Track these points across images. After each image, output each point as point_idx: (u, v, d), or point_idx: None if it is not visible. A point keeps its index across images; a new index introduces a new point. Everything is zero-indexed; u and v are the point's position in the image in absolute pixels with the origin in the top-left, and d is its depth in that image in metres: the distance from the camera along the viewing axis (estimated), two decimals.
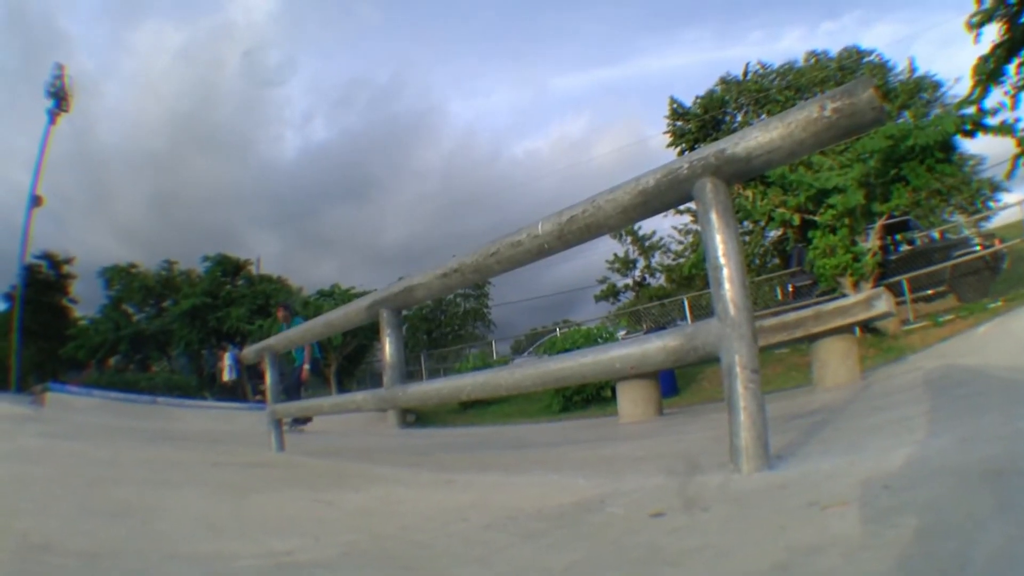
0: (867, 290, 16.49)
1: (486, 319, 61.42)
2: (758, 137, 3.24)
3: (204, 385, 36.30)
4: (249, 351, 9.32)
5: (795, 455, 3.60)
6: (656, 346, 3.65)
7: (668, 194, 3.59)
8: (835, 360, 9.02)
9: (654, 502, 2.98)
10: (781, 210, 19.32)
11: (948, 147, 18.32)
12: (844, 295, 16.24)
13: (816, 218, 18.69)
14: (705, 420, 8.54)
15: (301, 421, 13.94)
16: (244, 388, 31.88)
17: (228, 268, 43.51)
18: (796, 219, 18.99)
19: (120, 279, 46.21)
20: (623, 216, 3.84)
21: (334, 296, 36.69)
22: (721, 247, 3.29)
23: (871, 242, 18.79)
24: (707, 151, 3.39)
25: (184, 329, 40.38)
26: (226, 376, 17.70)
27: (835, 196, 18.00)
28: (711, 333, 3.35)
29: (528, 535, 2.78)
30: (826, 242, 18.27)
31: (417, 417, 21.94)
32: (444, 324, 59.36)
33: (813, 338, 9.25)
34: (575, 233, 4.08)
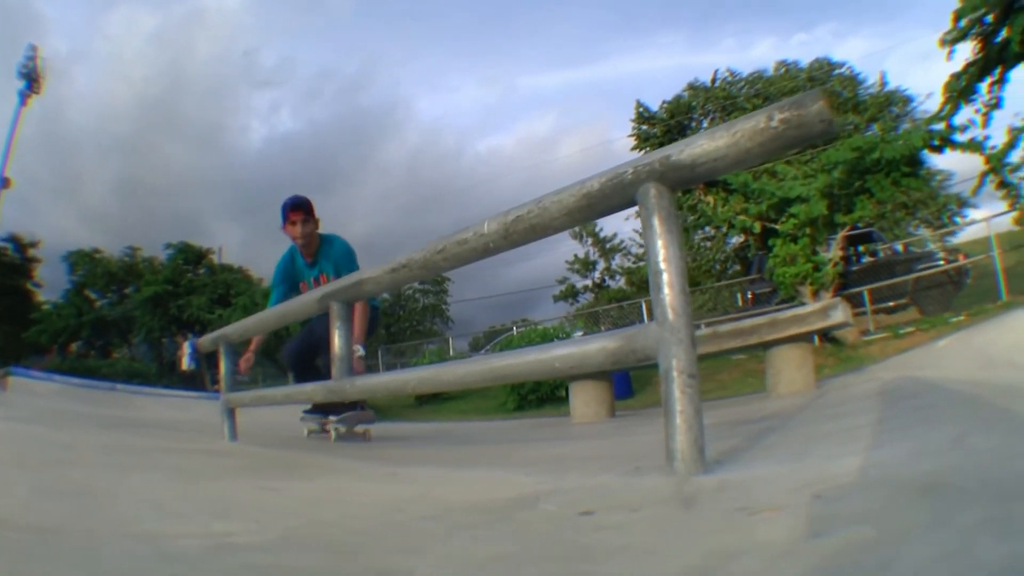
0: (826, 300, 16.63)
1: (444, 315, 61.60)
2: (704, 145, 3.25)
3: (164, 373, 36.26)
4: (205, 340, 9.35)
5: (735, 460, 3.63)
6: (596, 347, 3.67)
7: (612, 198, 3.60)
8: (790, 368, 9.06)
9: (587, 501, 2.99)
10: (742, 217, 19.39)
11: (915, 161, 18.50)
12: (803, 304, 16.32)
13: (777, 227, 18.83)
14: (655, 423, 8.52)
15: (344, 414, 8.75)
16: (203, 377, 31.85)
17: (190, 256, 43.64)
18: (757, 227, 19.09)
19: (84, 264, 46.08)
20: (568, 218, 3.86)
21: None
22: (662, 252, 3.30)
23: (832, 252, 18.91)
24: (652, 157, 3.40)
25: (145, 316, 40.46)
26: (184, 365, 17.73)
27: (798, 205, 18.15)
28: (650, 337, 3.37)
29: (461, 527, 2.81)
30: (787, 251, 18.37)
31: (373, 411, 21.96)
32: (403, 319, 59.47)
33: (768, 345, 9.28)
34: (520, 233, 4.09)
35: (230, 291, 39.80)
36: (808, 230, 18.07)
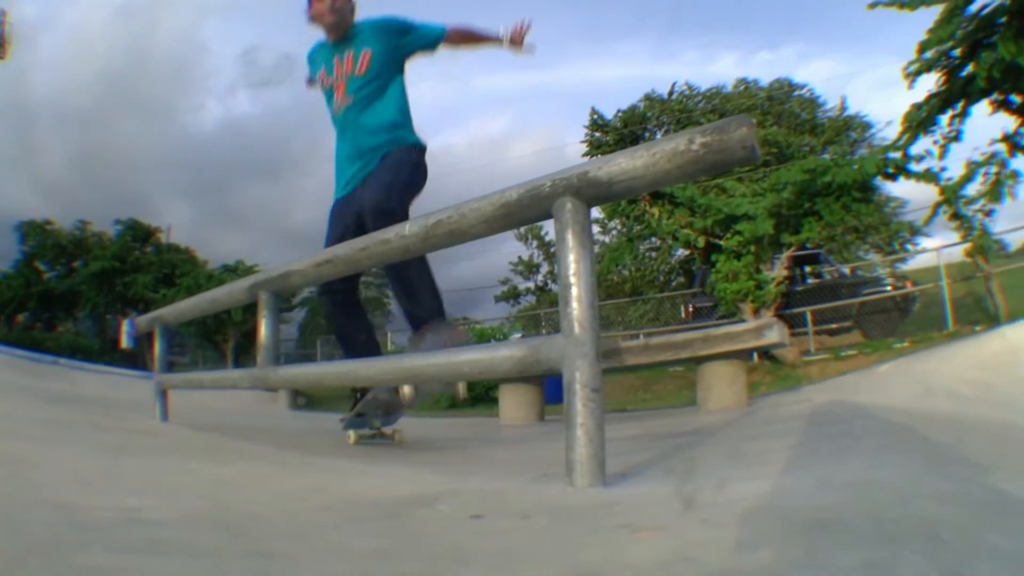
0: (763, 318, 16.72)
1: (385, 309, 61.58)
2: (622, 163, 3.28)
3: (106, 350, 36.09)
4: (142, 320, 9.27)
5: (640, 475, 3.70)
6: (503, 355, 3.72)
7: (530, 209, 3.63)
8: (721, 384, 9.11)
9: (481, 505, 3.05)
10: (686, 231, 19.50)
11: (867, 187, 18.79)
12: (743, 320, 16.41)
13: (722, 242, 18.96)
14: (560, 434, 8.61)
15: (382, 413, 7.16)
16: (145, 356, 31.70)
17: (139, 234, 43.39)
18: (701, 241, 19.17)
19: (35, 235, 45.54)
20: (485, 226, 3.90)
21: (238, 272, 36.71)
22: (573, 266, 3.32)
23: (777, 271, 19.04)
24: (571, 171, 3.43)
25: (92, 292, 40.26)
26: (124, 343, 17.59)
27: (744, 223, 18.28)
28: (555, 348, 3.40)
29: (354, 520, 2.85)
30: (729, 267, 18.53)
31: (308, 401, 21.93)
32: None
33: (701, 360, 9.32)
34: (440, 237, 4.13)
35: (175, 271, 39.70)
36: (752, 248, 18.26)
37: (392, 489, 3.71)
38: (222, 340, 34.81)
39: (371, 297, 60.99)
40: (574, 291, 3.30)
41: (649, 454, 4.75)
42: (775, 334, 8.85)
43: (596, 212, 37.86)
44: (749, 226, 18.09)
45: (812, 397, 8.76)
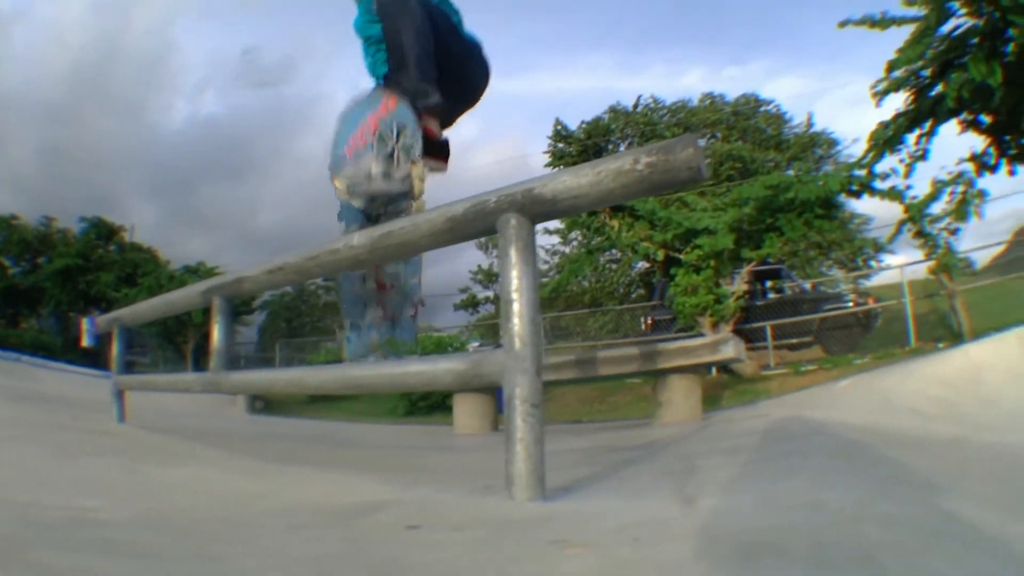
0: (720, 333, 16.76)
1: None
2: (567, 181, 3.32)
3: (69, 348, 35.92)
4: (101, 320, 9.32)
5: (581, 490, 3.69)
6: (444, 368, 3.76)
7: (475, 224, 3.66)
8: (677, 397, 9.15)
9: (420, 515, 3.07)
10: (646, 244, 19.53)
11: (830, 204, 18.94)
12: (701, 334, 16.45)
13: (681, 256, 18.99)
14: None
15: None
16: (107, 355, 31.58)
17: (103, 232, 43.12)
18: (660, 254, 19.19)
19: (1, 230, 45.23)
20: (432, 239, 3.93)
21: (199, 273, 36.63)
22: (515, 282, 3.35)
23: (737, 286, 19.10)
24: (515, 188, 3.46)
25: (56, 288, 40.03)
26: (85, 341, 17.45)
27: (704, 237, 18.27)
28: (496, 363, 3.44)
29: (295, 527, 2.89)
30: (689, 281, 18.53)
31: (266, 405, 21.89)
32: (304, 314, 59.29)
33: (656, 373, 9.34)
34: (387, 249, 4.18)
35: (137, 271, 39.59)
36: (712, 262, 18.27)
37: (335, 497, 3.71)
38: (182, 341, 34.82)
39: (331, 301, 60.85)
40: (515, 307, 3.33)
41: (596, 468, 4.77)
42: (731, 349, 8.89)
43: (557, 223, 37.91)
44: (709, 240, 18.10)
45: (769, 412, 8.78)
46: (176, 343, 34.80)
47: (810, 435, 6.05)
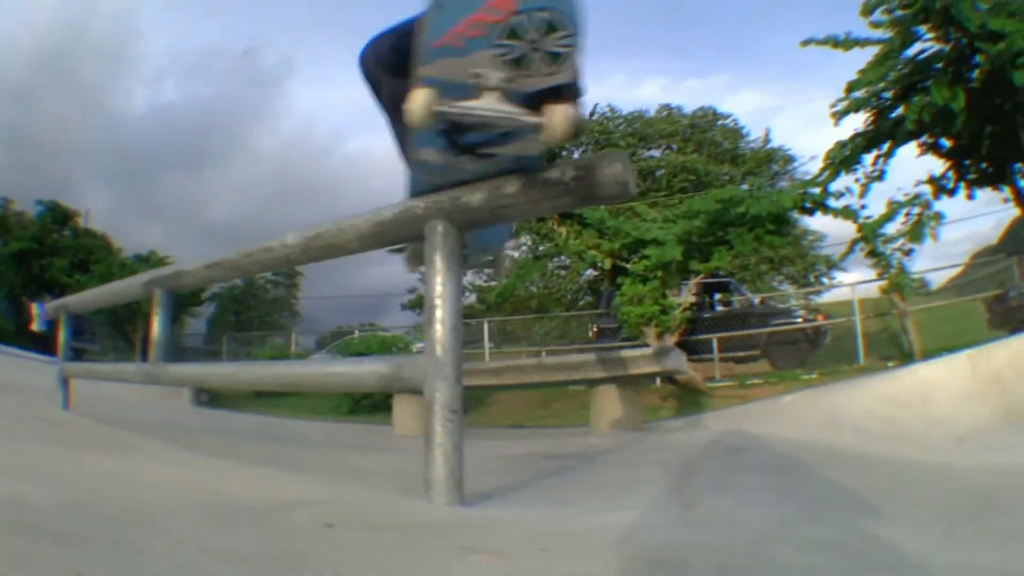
0: (668, 343, 16.78)
1: (293, 309, 61.16)
2: (494, 191, 3.37)
3: (21, 333, 35.65)
4: (50, 307, 9.26)
5: (503, 497, 3.74)
6: (368, 370, 3.83)
7: (403, 229, 3.72)
8: (615, 407, 9.12)
9: (338, 515, 3.09)
10: (593, 252, 19.57)
11: (782, 220, 18.85)
12: (646, 344, 16.44)
13: (629, 266, 18.98)
14: (471, 444, 8.56)
15: None
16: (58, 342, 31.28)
17: (58, 216, 42.71)
18: (608, 263, 19.17)
19: None
20: (361, 242, 3.98)
21: (150, 263, 35.99)
22: (439, 288, 3.40)
23: (684, 297, 19.14)
24: (444, 195, 3.50)
25: (10, 272, 39.58)
26: (35, 326, 17.31)
27: (652, 248, 18.25)
28: (417, 368, 3.48)
29: (217, 520, 2.95)
30: (635, 290, 18.41)
31: (211, 398, 21.75)
32: (252, 308, 58.91)
33: (595, 382, 9.33)
34: (319, 250, 4.24)
35: (90, 257, 39.25)
36: (660, 273, 18.20)
37: (261, 492, 3.76)
38: (132, 330, 34.49)
39: (279, 296, 60.50)
40: (438, 313, 3.37)
41: (523, 476, 4.80)
42: (672, 361, 8.93)
43: None
44: (657, 251, 18.04)
45: (709, 425, 8.82)
46: (125, 332, 34.53)
47: (745, 451, 6.07)
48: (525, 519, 3.09)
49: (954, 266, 30.50)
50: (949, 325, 21.80)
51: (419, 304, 54.13)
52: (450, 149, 3.48)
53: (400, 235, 3.80)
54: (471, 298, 50.21)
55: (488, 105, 3.16)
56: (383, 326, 42.93)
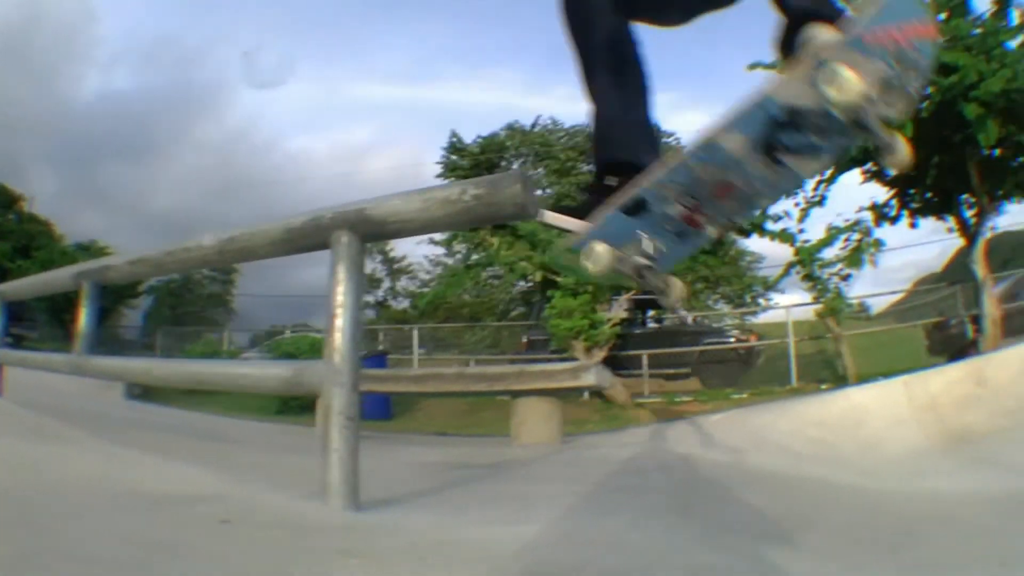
0: (598, 357, 16.89)
1: (228, 306, 60.74)
2: (396, 205, 3.48)
3: None
4: None
5: (401, 504, 3.82)
6: (271, 373, 3.96)
7: (311, 237, 3.80)
8: (535, 419, 9.14)
9: (238, 511, 3.21)
10: (524, 264, 19.66)
11: (717, 241, 18.78)
12: (573, 358, 16.54)
13: (559, 279, 18.93)
14: (389, 450, 8.66)
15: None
16: None
17: (3, 199, 42.27)
18: (538, 276, 19.15)
19: None
20: (271, 248, 4.08)
21: (90, 251, 36.18)
22: (340, 297, 3.50)
23: (615, 312, 19.35)
24: (350, 206, 3.61)
25: None
26: None
27: None
28: (316, 374, 3.58)
29: (123, 509, 3.12)
30: (564, 304, 18.54)
31: (144, 391, 21.55)
32: (188, 303, 58.43)
33: (517, 394, 9.34)
34: (233, 253, 4.35)
35: (33, 243, 38.90)
36: (590, 287, 18.34)
37: (172, 486, 3.84)
38: (70, 319, 34.09)
39: (214, 293, 60.05)
40: (338, 321, 3.48)
41: (431, 483, 4.89)
42: (592, 377, 8.95)
43: (439, 234, 37.56)
44: None
45: (630, 441, 8.81)
46: (63, 320, 34.20)
47: (659, 470, 6.14)
48: (416, 527, 3.19)
49: (895, 292, 30.80)
50: (888, 350, 22.02)
51: None
52: (761, 141, 3.14)
53: (308, 243, 3.87)
54: (406, 303, 49.92)
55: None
56: (316, 327, 42.62)
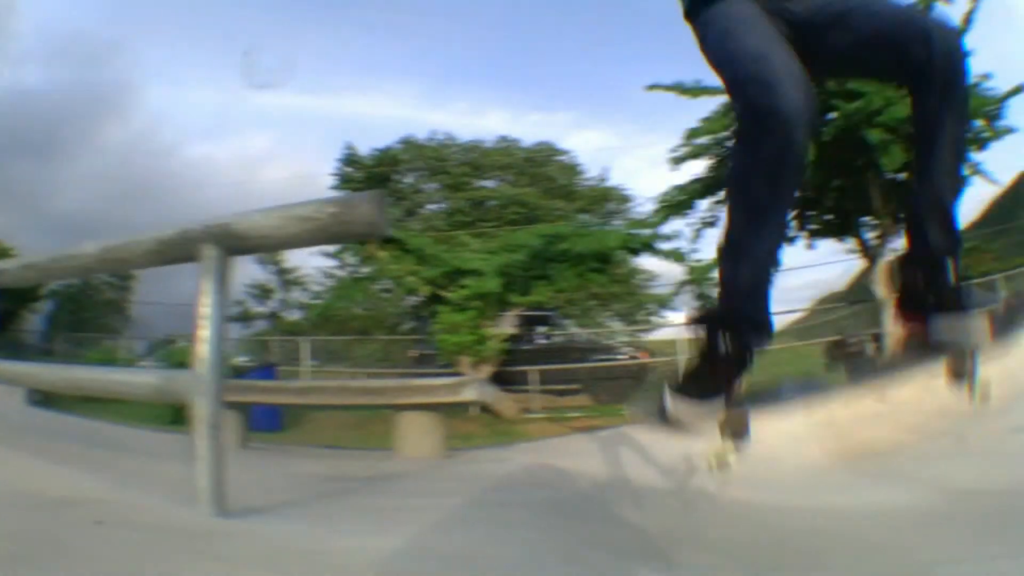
0: (486, 373, 17.00)
1: (126, 313, 60.08)
2: (257, 220, 3.65)
3: None
4: None
5: (272, 512, 3.95)
6: (142, 381, 4.13)
7: (181, 249, 3.93)
8: (416, 433, 9.06)
9: (114, 513, 3.36)
10: (412, 279, 19.67)
11: (605, 258, 19.36)
12: (459, 373, 16.72)
13: (447, 294, 19.12)
14: (274, 461, 8.86)
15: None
16: None
17: None
18: (426, 290, 19.22)
19: None
20: (146, 258, 4.23)
21: None
22: (205, 310, 3.64)
23: (503, 329, 19.56)
24: (216, 221, 3.75)
25: None
26: None
27: (471, 278, 18.49)
28: (184, 383, 3.77)
29: (5, 507, 3.35)
30: (451, 319, 18.69)
31: (44, 397, 21.31)
32: (87, 308, 57.66)
33: (398, 408, 9.27)
34: (112, 262, 4.59)
35: None
36: (478, 303, 18.53)
37: (53, 488, 3.94)
38: None
39: (111, 299, 59.24)
40: (203, 332, 3.63)
41: (306, 494, 5.00)
42: (472, 392, 9.14)
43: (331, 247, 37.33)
44: (476, 282, 18.34)
45: (514, 457, 8.87)
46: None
47: (534, 485, 6.19)
48: (279, 534, 3.33)
49: (795, 311, 31.24)
50: (787, 367, 22.26)
51: (245, 318, 52.99)
52: None
53: (178, 255, 3.99)
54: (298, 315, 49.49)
55: None
56: None
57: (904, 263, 3.20)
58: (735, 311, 3.05)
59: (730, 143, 18.07)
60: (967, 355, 3.06)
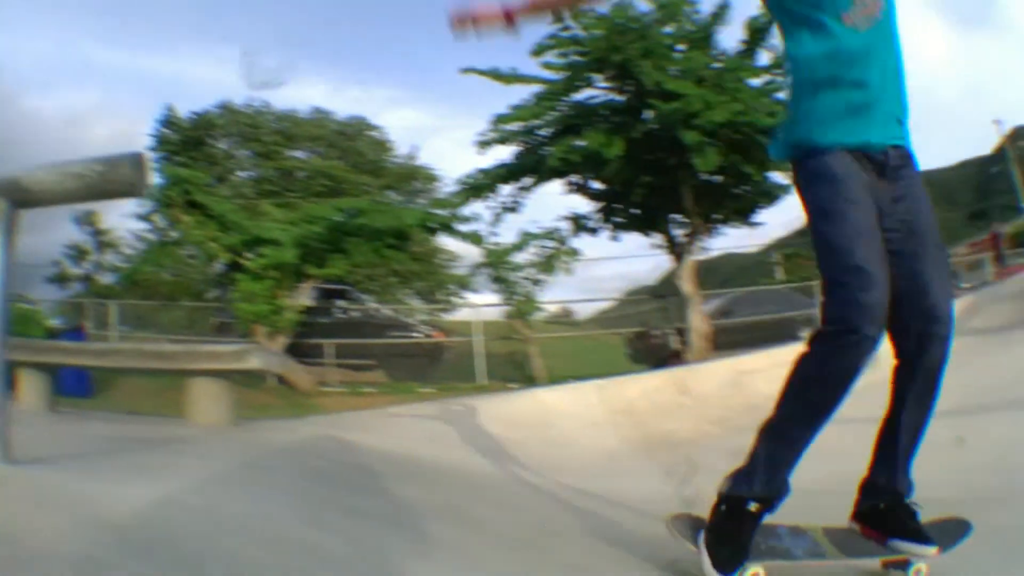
0: (280, 343, 17.01)
1: None
2: (41, 176, 3.67)
3: None
4: None
5: (55, 465, 3.97)
6: None
7: None
8: (206, 400, 9.03)
9: None
10: (212, 245, 19.40)
11: (402, 235, 19.65)
12: (255, 342, 16.76)
13: (245, 262, 18.98)
14: (76, 424, 8.85)
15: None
16: None
17: None
18: (226, 257, 19.00)
19: None
20: None
21: None
22: None
23: (298, 300, 19.54)
24: (9, 175, 3.74)
25: None
26: None
27: (269, 247, 18.42)
28: None
29: None
30: (249, 288, 18.55)
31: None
32: None
33: (187, 374, 9.23)
34: None
35: None
36: (275, 273, 18.53)
37: None
38: None
39: None
40: None
41: (90, 451, 5.06)
42: (256, 360, 9.09)
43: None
44: (273, 251, 18.28)
45: (298, 428, 9.02)
46: None
47: (310, 455, 6.13)
48: (50, 481, 3.43)
49: (601, 300, 31.79)
50: (589, 356, 22.77)
51: (63, 278, 51.27)
52: None
53: None
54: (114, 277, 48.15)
55: None
56: (31, 298, 40.63)
57: (867, 489, 3.49)
58: (771, 484, 3.27)
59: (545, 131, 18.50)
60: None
